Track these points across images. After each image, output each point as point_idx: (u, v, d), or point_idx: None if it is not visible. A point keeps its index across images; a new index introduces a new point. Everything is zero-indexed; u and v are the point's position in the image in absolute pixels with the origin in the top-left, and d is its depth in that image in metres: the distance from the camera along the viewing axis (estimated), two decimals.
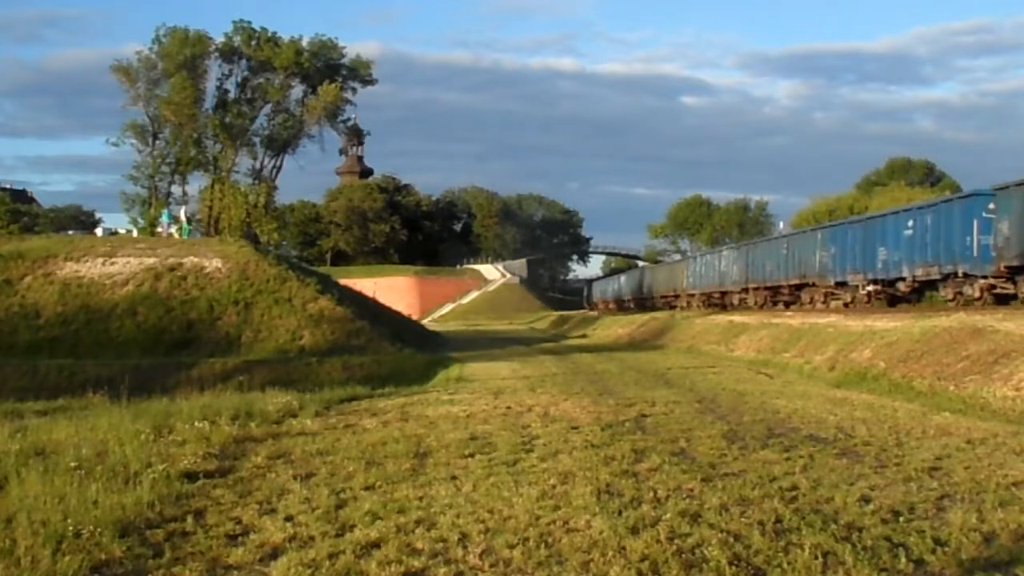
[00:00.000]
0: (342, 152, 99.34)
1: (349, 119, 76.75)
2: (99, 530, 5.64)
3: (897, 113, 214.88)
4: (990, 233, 18.26)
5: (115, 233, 46.56)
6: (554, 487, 6.92)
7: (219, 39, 67.38)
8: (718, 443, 8.85)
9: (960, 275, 19.70)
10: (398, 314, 46.83)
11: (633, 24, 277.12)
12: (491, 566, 5.09)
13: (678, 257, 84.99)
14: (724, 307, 36.09)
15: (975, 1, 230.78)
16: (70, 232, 51.12)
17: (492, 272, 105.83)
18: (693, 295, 40.86)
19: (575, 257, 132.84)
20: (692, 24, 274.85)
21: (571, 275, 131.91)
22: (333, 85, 69.76)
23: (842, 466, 7.69)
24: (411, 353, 30.85)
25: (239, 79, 69.25)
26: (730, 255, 35.97)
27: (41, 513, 5.97)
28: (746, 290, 33.45)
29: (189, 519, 6.15)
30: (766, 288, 31.47)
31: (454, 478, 7.38)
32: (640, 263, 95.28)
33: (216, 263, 33.11)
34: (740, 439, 9.13)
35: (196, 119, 64.41)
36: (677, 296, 44.10)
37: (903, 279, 22.14)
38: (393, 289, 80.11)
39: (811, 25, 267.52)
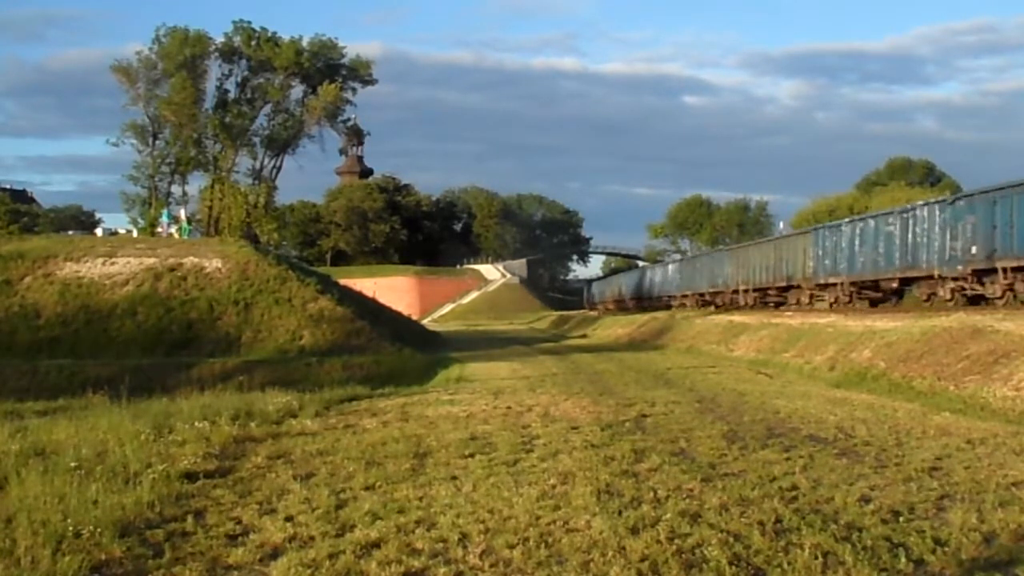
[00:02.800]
0: (342, 152, 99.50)
1: (349, 119, 77.05)
2: (99, 530, 5.64)
3: (899, 113, 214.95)
4: None
5: (115, 233, 46.58)
6: (554, 487, 6.91)
7: (219, 39, 67.73)
8: (718, 443, 8.85)
9: None
10: (398, 314, 46.80)
11: (635, 24, 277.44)
12: (491, 566, 5.09)
13: (678, 256, 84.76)
14: (879, 302, 24.44)
15: (978, 1, 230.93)
16: (70, 232, 51.12)
17: (492, 272, 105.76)
18: (833, 284, 26.13)
19: (575, 257, 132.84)
20: (694, 24, 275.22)
21: (571, 275, 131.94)
22: (333, 85, 69.90)
23: (842, 466, 7.69)
24: (411, 353, 30.81)
25: (239, 79, 69.51)
26: (931, 214, 20.74)
27: (41, 513, 5.96)
28: (983, 273, 18.77)
29: (189, 519, 6.15)
30: None
31: (454, 478, 7.37)
32: (640, 263, 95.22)
33: (216, 263, 33.11)
34: (740, 439, 9.13)
35: (196, 119, 64.53)
36: (790, 287, 29.93)
37: None
38: (393, 289, 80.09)
39: (813, 25, 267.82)
